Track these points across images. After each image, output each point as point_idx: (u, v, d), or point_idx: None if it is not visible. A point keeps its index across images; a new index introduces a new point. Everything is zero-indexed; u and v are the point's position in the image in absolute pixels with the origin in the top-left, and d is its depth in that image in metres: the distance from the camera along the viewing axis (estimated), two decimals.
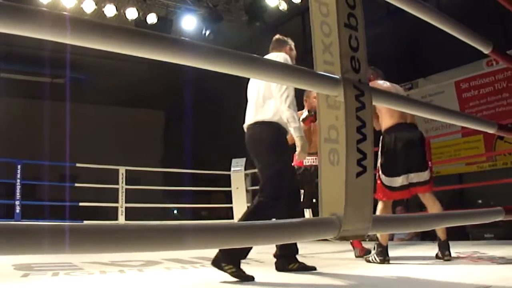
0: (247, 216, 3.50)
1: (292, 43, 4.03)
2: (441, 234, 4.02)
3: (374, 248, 4.09)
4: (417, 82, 9.70)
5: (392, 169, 4.14)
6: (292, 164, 4.21)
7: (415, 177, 4.16)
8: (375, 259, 4.04)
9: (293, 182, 3.87)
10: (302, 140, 3.59)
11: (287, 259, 3.71)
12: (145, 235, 0.90)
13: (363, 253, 4.55)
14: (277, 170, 3.53)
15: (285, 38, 4.05)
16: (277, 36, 4.08)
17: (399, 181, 4.14)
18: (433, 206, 4.18)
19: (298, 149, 3.61)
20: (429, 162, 4.29)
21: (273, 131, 3.63)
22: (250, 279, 3.24)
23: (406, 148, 4.13)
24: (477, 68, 8.64)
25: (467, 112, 8.52)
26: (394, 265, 3.99)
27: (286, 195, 3.55)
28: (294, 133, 3.60)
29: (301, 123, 4.20)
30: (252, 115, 3.74)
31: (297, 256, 3.74)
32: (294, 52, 4.00)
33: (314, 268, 3.70)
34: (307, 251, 4.70)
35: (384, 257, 4.00)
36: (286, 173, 3.63)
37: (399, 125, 4.20)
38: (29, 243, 0.78)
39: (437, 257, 4.09)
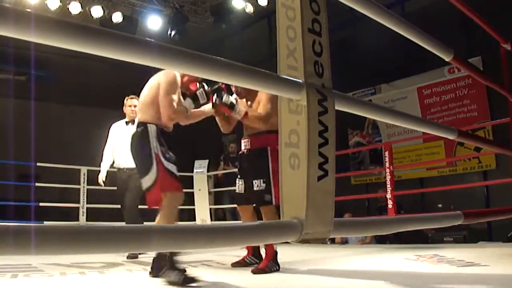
0: None
1: None
2: None
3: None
4: (380, 88, 9.85)
5: None
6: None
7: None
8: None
9: None
10: None
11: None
12: (111, 237, 0.89)
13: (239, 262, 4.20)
14: None
15: None
16: None
17: None
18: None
19: None
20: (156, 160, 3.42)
21: None
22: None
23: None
24: (439, 75, 8.81)
25: (428, 118, 8.67)
26: (359, 269, 4.04)
27: None
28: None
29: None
30: None
31: None
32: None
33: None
34: None
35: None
36: None
37: None
38: None
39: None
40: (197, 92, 3.73)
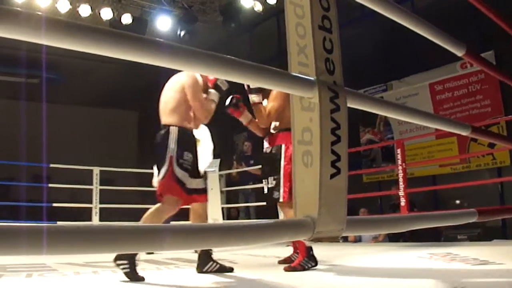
0: None
1: None
2: None
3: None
4: (392, 84, 9.80)
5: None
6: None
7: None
8: None
9: None
10: None
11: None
12: (123, 236, 0.89)
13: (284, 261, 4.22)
14: None
15: None
16: None
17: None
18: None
19: None
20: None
21: None
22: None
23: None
24: (451, 70, 8.75)
25: (441, 114, 8.61)
26: (371, 267, 4.02)
27: None
28: None
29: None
30: None
31: None
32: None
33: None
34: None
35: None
36: None
37: None
38: (6, 244, 0.76)
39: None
40: (218, 82, 3.88)
